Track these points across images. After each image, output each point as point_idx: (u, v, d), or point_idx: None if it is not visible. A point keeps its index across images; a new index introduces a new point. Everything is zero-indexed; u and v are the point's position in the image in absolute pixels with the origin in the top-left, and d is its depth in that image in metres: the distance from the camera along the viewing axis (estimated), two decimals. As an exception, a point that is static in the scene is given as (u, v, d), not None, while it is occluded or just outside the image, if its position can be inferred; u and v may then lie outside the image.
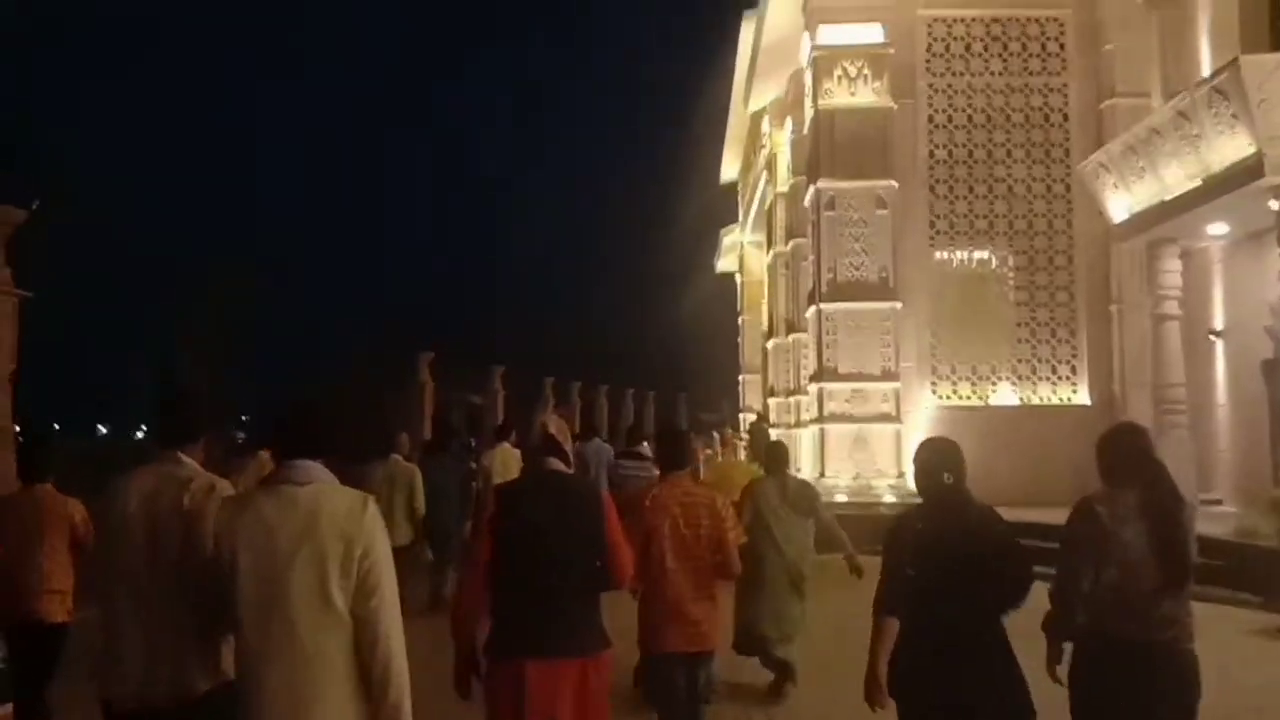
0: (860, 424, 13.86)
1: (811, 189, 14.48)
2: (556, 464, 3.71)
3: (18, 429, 10.50)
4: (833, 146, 14.21)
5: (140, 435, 48.62)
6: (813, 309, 14.44)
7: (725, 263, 33.27)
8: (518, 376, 30.53)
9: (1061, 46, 14.70)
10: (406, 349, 28.63)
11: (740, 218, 29.37)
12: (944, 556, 3.39)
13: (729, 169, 29.45)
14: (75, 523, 5.01)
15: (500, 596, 3.48)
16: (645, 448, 10.82)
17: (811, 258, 14.75)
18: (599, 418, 36.04)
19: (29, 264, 10.39)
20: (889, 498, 13.48)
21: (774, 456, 6.66)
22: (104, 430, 63.68)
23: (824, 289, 14.09)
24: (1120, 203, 12.52)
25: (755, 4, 17.87)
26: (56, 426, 46.37)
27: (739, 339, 30.62)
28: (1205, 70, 13.08)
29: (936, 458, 3.81)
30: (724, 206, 32.86)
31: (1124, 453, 3.58)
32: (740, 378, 30.20)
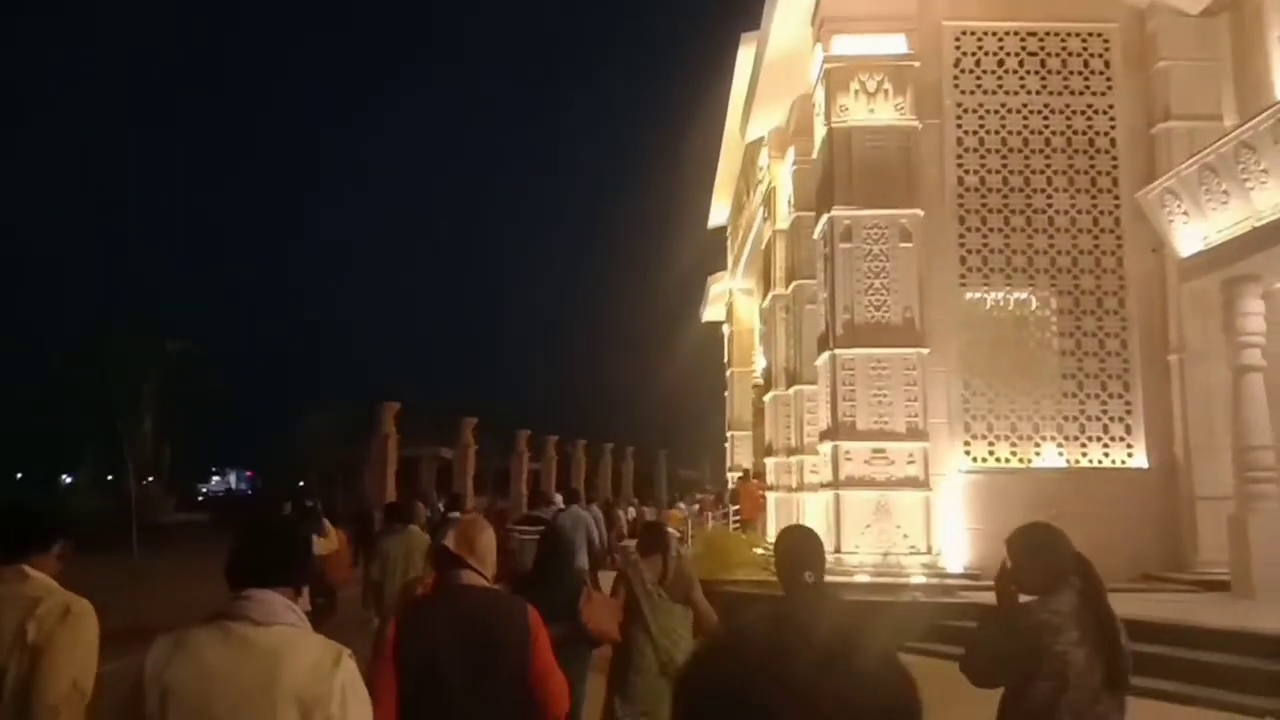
0: (883, 490, 11.84)
1: (824, 219, 12.62)
2: (471, 577, 3.16)
3: None
4: (849, 170, 12.39)
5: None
6: (825, 355, 12.49)
7: (712, 312, 31.53)
8: (491, 429, 28.42)
9: (1106, 64, 12.99)
10: (369, 398, 26.58)
11: (730, 264, 27.61)
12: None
13: (718, 213, 27.75)
14: None
15: None
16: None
17: (824, 296, 12.84)
18: (576, 474, 33.96)
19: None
20: (919, 578, 11.43)
21: (649, 537, 5.64)
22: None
23: (839, 332, 12.16)
24: (1192, 234, 10.69)
25: (755, 25, 16.31)
26: None
27: (726, 393, 28.71)
28: (1278, 85, 11.40)
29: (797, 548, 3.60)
30: (712, 253, 31.21)
31: (1047, 555, 3.40)
32: (729, 434, 28.19)
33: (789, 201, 16.76)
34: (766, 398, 18.46)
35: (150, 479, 43.76)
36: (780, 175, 17.37)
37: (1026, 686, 3.11)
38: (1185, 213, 10.61)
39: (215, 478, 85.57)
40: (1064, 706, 3.06)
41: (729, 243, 28.02)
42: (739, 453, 27.18)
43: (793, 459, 16.28)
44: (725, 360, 29.06)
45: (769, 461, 17.90)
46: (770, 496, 17.76)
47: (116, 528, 28.10)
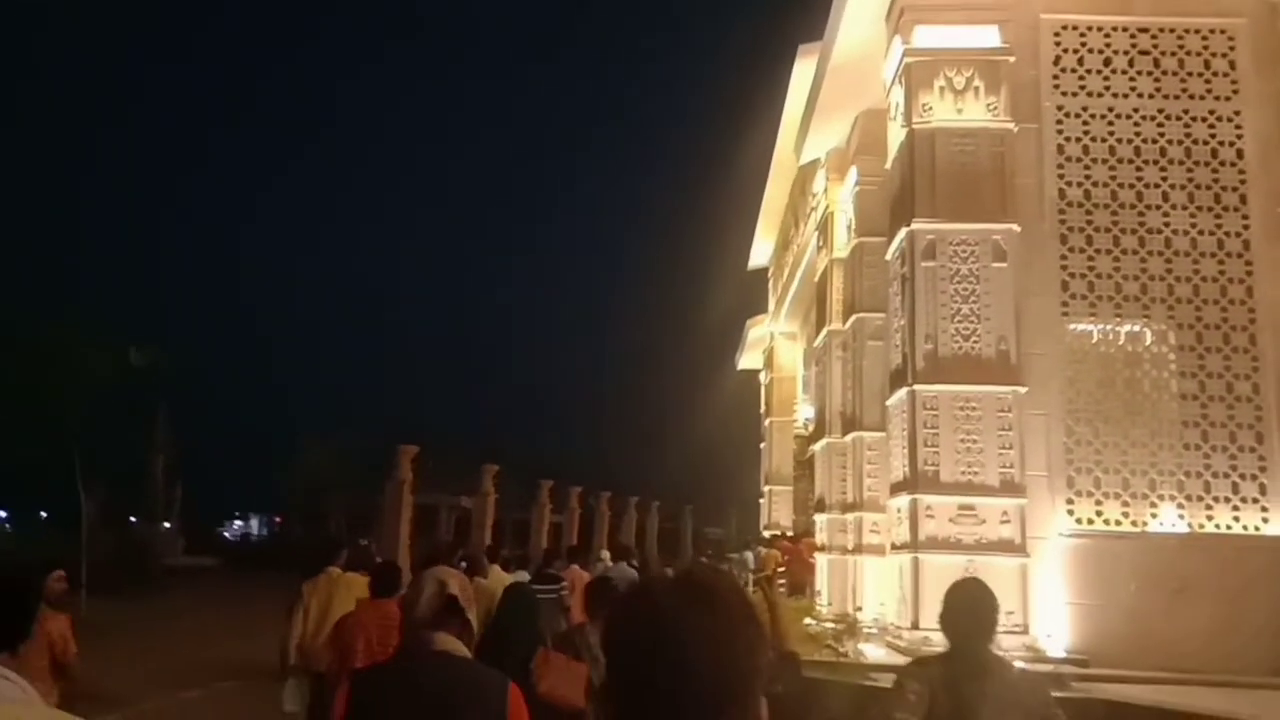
0: (971, 554, 9.91)
1: (902, 234, 10.86)
2: (447, 641, 2.74)
3: None
4: (932, 178, 10.66)
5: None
6: (902, 393, 10.66)
7: (749, 359, 29.80)
8: (512, 478, 26.65)
9: (1232, 65, 11.22)
10: (387, 440, 24.90)
11: (771, 306, 25.88)
12: None
13: (760, 252, 26.10)
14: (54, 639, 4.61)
15: None
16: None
17: (899, 325, 11.04)
18: (600, 528, 32.10)
19: None
20: (1017, 663, 9.42)
21: (595, 596, 5.19)
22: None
23: (919, 365, 10.34)
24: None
25: (814, 37, 14.77)
26: None
27: (763, 444, 26.83)
28: None
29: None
30: (750, 297, 29.59)
31: (953, 620, 3.32)
32: (765, 489, 26.25)
33: (849, 227, 15.05)
34: (817, 446, 16.58)
35: (164, 522, 42.33)
36: (839, 199, 15.67)
37: None
38: (1352, 226, 8.77)
39: (238, 521, 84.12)
40: None
41: (770, 283, 26.33)
42: (777, 509, 25.27)
43: (850, 516, 14.37)
44: (763, 410, 27.25)
45: (820, 518, 15.97)
46: (821, 559, 15.80)
47: (122, 570, 26.67)
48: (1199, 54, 11.26)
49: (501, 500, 28.79)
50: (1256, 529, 10.40)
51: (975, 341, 10.27)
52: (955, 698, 3.15)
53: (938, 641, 9.48)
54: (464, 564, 12.62)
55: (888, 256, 11.72)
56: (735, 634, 1.32)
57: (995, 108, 10.70)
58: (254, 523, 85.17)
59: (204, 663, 14.61)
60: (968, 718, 3.11)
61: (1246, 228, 10.87)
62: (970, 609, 3.40)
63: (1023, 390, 10.20)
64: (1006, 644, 9.42)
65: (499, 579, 10.31)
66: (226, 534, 74.30)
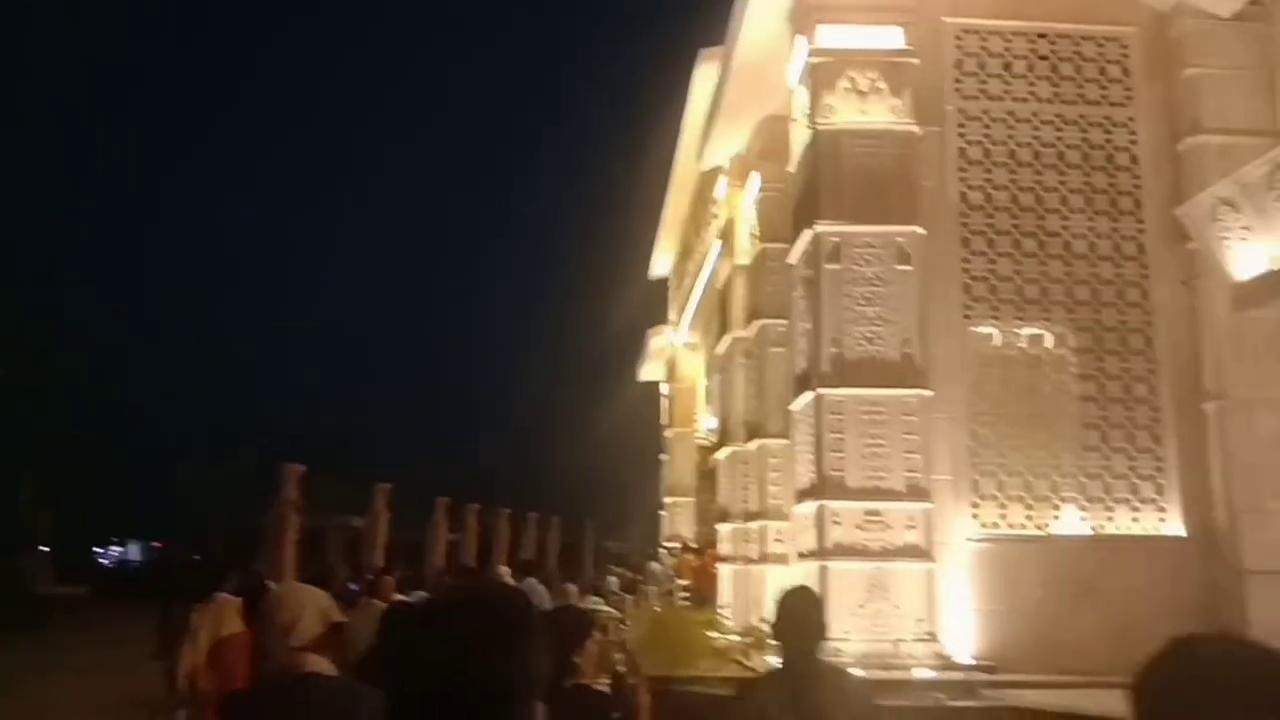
0: (878, 560, 9.71)
1: (806, 236, 10.66)
2: (318, 662, 2.62)
3: None
4: (837, 180, 10.49)
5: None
6: (807, 397, 10.44)
7: (651, 370, 29.50)
8: (407, 497, 25.77)
9: (1126, 72, 11.37)
10: (272, 460, 23.76)
11: (672, 317, 25.68)
12: None
13: (661, 262, 25.89)
14: None
15: None
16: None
17: (805, 328, 10.84)
18: (499, 546, 31.31)
19: None
20: (924, 671, 9.26)
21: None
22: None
23: (825, 369, 10.13)
24: (1253, 253, 8.94)
25: (714, 41, 14.60)
26: None
27: (664, 456, 26.57)
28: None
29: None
30: (651, 307, 29.36)
31: (787, 630, 3.34)
32: (666, 500, 25.96)
33: (752, 233, 14.88)
34: (720, 455, 16.33)
35: (39, 546, 40.05)
36: (742, 205, 15.50)
37: None
38: (1246, 227, 8.87)
39: (116, 548, 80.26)
40: None
41: (672, 293, 26.15)
42: (678, 521, 25.00)
43: (753, 525, 14.13)
44: (664, 421, 26.99)
45: (723, 528, 15.71)
46: (724, 569, 15.53)
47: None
48: (1094, 60, 11.39)
49: (395, 520, 27.79)
50: (1155, 530, 10.47)
51: (880, 344, 10.10)
52: (794, 712, 3.09)
53: (848, 652, 9.28)
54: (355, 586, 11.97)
55: (791, 260, 11.52)
56: (509, 644, 1.40)
57: (899, 110, 10.60)
58: (134, 549, 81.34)
59: (81, 697, 13.58)
60: None
61: (1142, 231, 11.00)
62: (800, 618, 3.34)
63: (928, 393, 10.07)
64: (916, 652, 9.29)
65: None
66: (104, 560, 70.79)
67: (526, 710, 1.39)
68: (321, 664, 2.66)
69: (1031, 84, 11.28)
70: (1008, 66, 11.32)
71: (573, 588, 23.86)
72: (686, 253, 23.06)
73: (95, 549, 65.10)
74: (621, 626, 17.77)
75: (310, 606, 2.70)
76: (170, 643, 7.33)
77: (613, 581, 23.78)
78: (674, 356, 25.67)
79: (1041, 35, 11.39)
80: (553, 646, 3.56)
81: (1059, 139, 11.19)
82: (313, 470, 23.01)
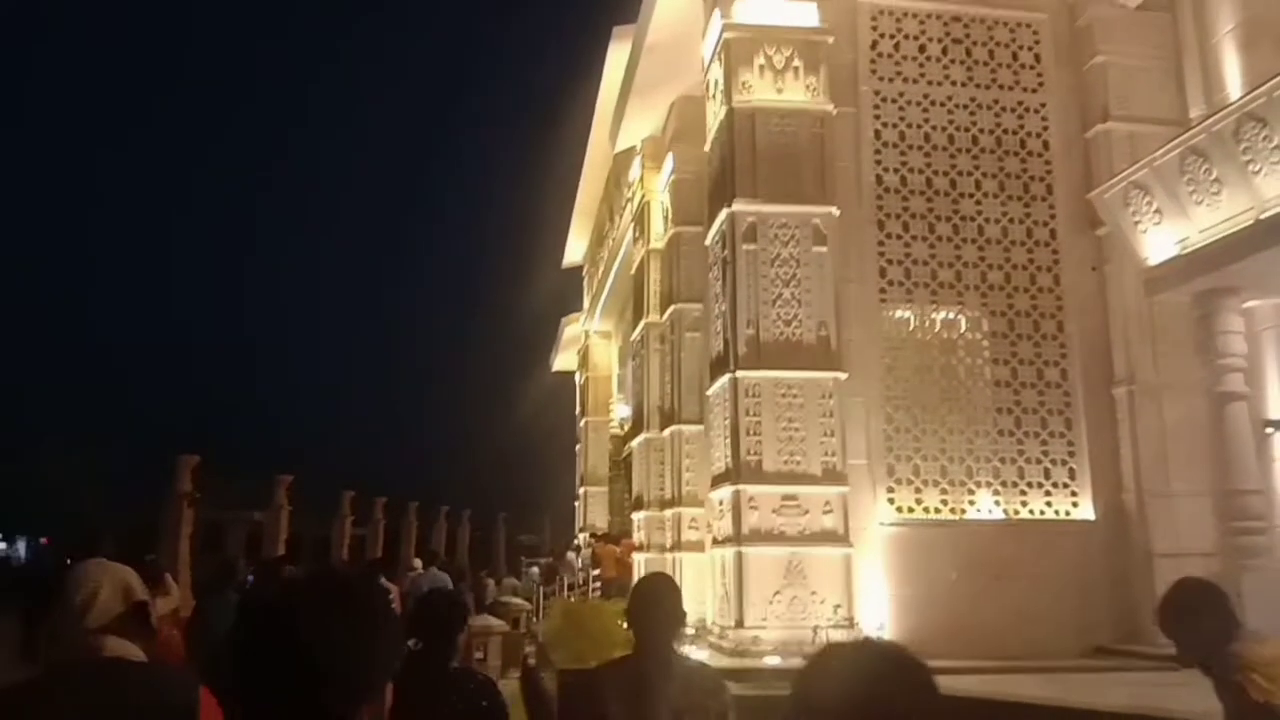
0: (795, 546, 9.51)
1: (723, 215, 10.42)
2: (121, 645, 2.32)
3: None
4: (753, 158, 10.26)
5: None
6: (724, 380, 10.19)
7: (564, 360, 29.12)
8: (309, 489, 24.89)
9: (1037, 58, 11.41)
10: (160, 451, 22.72)
11: (586, 304, 25.33)
12: None
13: (575, 249, 25.50)
14: None
15: None
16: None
17: (721, 309, 10.59)
18: (406, 539, 30.60)
19: None
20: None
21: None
22: None
23: (742, 350, 9.89)
24: (1164, 237, 8.97)
25: (628, 19, 14.28)
26: None
27: (578, 446, 26.21)
28: (1235, 84, 9.97)
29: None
30: (565, 297, 28.96)
31: (642, 612, 3.19)
32: (580, 491, 25.62)
33: (666, 217, 14.60)
34: (634, 443, 16.05)
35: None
36: (656, 188, 15.22)
37: None
38: (1158, 210, 8.89)
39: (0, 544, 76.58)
40: None
41: (586, 280, 25.79)
42: (593, 511, 24.68)
43: (668, 513, 13.87)
44: (578, 410, 26.64)
45: (637, 516, 15.42)
46: (638, 558, 15.24)
47: None
48: (1007, 46, 11.40)
49: (297, 513, 26.89)
50: (1067, 514, 10.50)
51: (796, 327, 9.91)
52: (635, 701, 3.01)
53: (766, 640, 9.07)
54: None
55: (707, 241, 11.28)
56: (372, 633, 1.38)
57: (815, 89, 10.42)
58: (21, 546, 77.73)
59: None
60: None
61: (1054, 217, 11.04)
62: (655, 605, 3.23)
63: (843, 376, 9.91)
64: (834, 637, 9.07)
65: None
66: (-12, 559, 67.40)
67: (367, 693, 1.38)
68: (126, 648, 2.38)
69: (946, 68, 11.23)
70: (922, 49, 11.25)
71: (490, 582, 23.42)
72: (600, 239, 22.74)
73: (-21, 546, 62.01)
74: (533, 619, 17.44)
75: (109, 583, 2.42)
76: (34, 650, 6.70)
77: (534, 572, 23.34)
78: (588, 345, 25.33)
79: (956, 19, 11.36)
80: (426, 631, 3.28)
81: (973, 123, 11.16)
82: (208, 462, 22.03)
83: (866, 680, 1.41)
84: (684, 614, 3.42)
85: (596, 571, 17.20)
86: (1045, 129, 11.24)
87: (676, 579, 12.90)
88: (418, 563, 16.36)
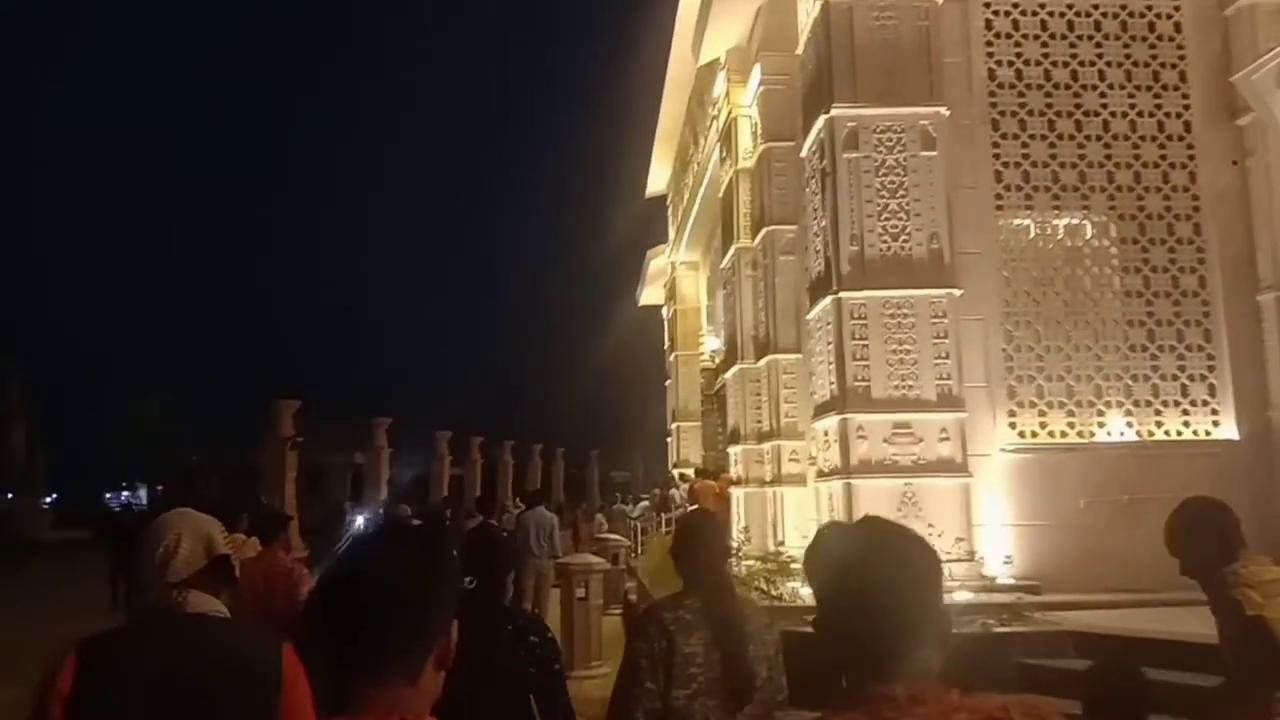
0: (909, 477, 8.87)
1: (820, 122, 9.63)
2: (205, 601, 2.32)
3: None
4: (852, 57, 9.42)
5: None
6: (826, 302, 9.50)
7: (650, 294, 28.51)
8: (407, 431, 25.00)
9: (1166, -72, 10.23)
10: (263, 395, 22.93)
11: (671, 235, 24.61)
12: None
13: (658, 177, 24.72)
14: None
15: None
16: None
17: (820, 227, 9.86)
18: (503, 478, 30.73)
19: None
20: (962, 594, 8.45)
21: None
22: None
23: (844, 269, 9.17)
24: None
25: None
26: None
27: (669, 382, 25.70)
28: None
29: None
30: (650, 228, 28.24)
31: (691, 548, 3.19)
32: (672, 426, 25.17)
33: (754, 132, 13.79)
34: (728, 375, 15.45)
35: (38, 495, 39.57)
36: (743, 102, 14.36)
37: (668, 694, 2.92)
38: (1320, 89, 7.85)
39: (125, 493, 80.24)
40: (696, 711, 2.92)
41: (670, 210, 25.04)
42: (686, 446, 24.24)
43: (766, 446, 13.29)
44: (667, 345, 26.09)
45: (734, 450, 14.89)
46: (737, 493, 14.74)
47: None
48: (1132, -82, 10.23)
49: (397, 455, 27.14)
50: (1207, 434, 9.63)
51: (905, 240, 9.14)
52: (707, 620, 3.01)
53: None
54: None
55: (803, 153, 10.51)
56: (429, 575, 1.45)
57: (918, -23, 9.49)
58: (142, 493, 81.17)
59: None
60: (736, 655, 2.97)
61: (1187, 108, 9.97)
62: (700, 536, 3.26)
63: (958, 293, 9.14)
64: (955, 573, 8.47)
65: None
66: (114, 505, 70.61)
67: (435, 630, 1.45)
68: (209, 603, 2.33)
69: (1063, -55, 10.15)
70: (1037, -73, 10.17)
71: (600, 517, 23.30)
72: (684, 165, 21.92)
73: (107, 494, 64.88)
74: (633, 555, 17.19)
75: (190, 534, 2.34)
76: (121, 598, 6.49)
77: (644, 505, 23.08)
78: (674, 278, 24.67)
79: (1073, -111, 10.22)
80: (476, 568, 3.26)
81: (1094, 7, 10.10)
82: (308, 406, 22.18)
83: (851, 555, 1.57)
84: (729, 547, 3.41)
85: (694, 507, 16.78)
86: (1177, 8, 10.11)
87: (776, 513, 12.41)
88: (519, 502, 16.25)
